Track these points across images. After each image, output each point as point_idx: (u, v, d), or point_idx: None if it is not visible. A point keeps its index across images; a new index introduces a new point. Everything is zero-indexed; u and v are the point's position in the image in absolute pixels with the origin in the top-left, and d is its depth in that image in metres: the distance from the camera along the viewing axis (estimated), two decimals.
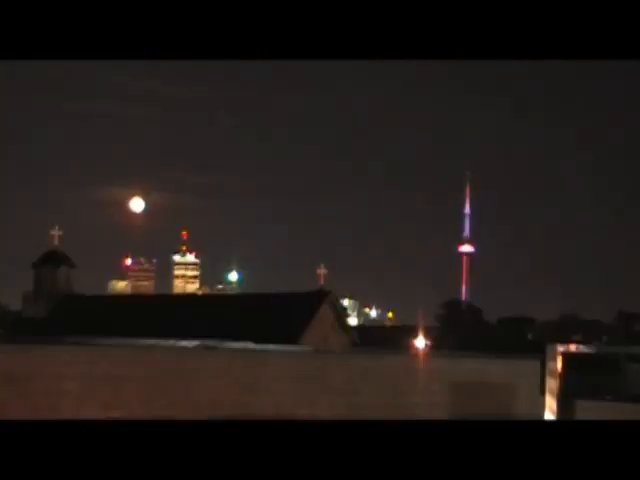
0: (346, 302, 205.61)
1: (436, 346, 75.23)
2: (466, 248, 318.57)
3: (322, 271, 53.05)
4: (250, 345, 19.00)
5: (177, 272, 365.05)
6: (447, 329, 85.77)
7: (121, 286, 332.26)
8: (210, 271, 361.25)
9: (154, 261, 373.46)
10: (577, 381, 21.42)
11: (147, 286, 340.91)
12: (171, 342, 17.82)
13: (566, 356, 20.10)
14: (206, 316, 46.93)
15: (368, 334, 71.57)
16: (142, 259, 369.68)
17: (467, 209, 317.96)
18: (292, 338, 40.24)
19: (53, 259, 55.47)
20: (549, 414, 19.61)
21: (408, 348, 64.22)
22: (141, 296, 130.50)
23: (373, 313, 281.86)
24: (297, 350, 21.82)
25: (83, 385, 15.75)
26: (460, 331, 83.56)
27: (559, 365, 19.84)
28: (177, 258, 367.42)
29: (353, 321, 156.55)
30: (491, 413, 21.24)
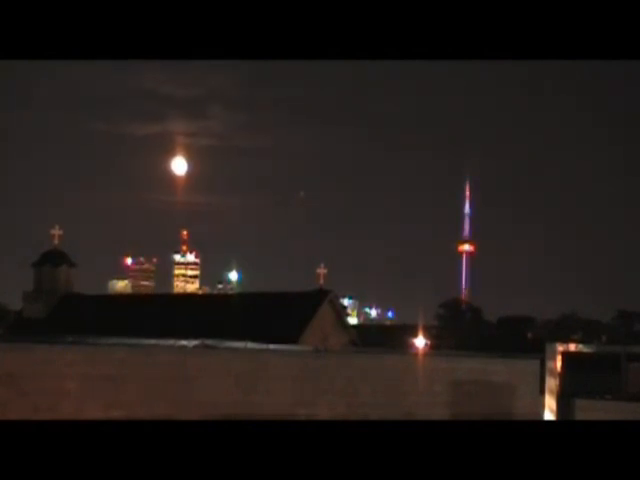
0: (346, 301, 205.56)
1: (436, 345, 75.24)
2: (466, 248, 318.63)
3: (322, 271, 53.10)
4: (250, 345, 18.97)
5: (177, 272, 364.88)
6: (447, 329, 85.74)
7: (121, 286, 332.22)
8: (210, 271, 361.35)
9: (154, 261, 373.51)
10: (577, 380, 21.44)
11: (147, 286, 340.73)
12: (171, 342, 17.79)
13: (566, 355, 20.11)
14: (206, 316, 46.95)
15: (368, 334, 71.57)
16: (142, 259, 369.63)
17: (467, 209, 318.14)
18: (292, 338, 40.27)
19: (53, 258, 55.45)
20: (549, 413, 19.62)
21: (408, 347, 64.22)
22: (141, 296, 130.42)
23: (373, 313, 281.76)
24: (297, 350, 21.80)
25: (83, 385, 15.74)
26: (460, 331, 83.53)
27: (559, 364, 19.85)
28: (177, 258, 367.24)
29: (353, 320, 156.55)
30: (491, 413, 21.24)
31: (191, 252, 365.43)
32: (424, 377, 21.05)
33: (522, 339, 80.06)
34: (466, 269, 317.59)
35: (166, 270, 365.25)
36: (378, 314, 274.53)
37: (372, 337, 66.88)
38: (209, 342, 18.07)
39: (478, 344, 66.72)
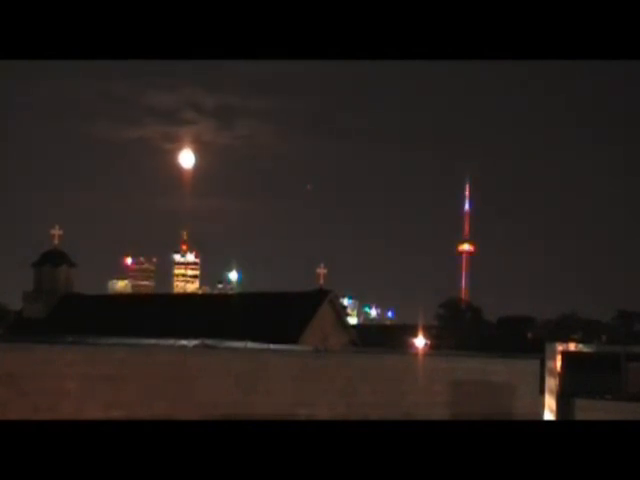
0: (346, 301, 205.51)
1: (436, 345, 75.24)
2: (466, 248, 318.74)
3: (322, 271, 53.09)
4: (250, 345, 18.97)
5: (177, 272, 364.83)
6: (447, 329, 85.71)
7: (121, 285, 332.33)
8: (210, 271, 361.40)
9: (154, 261, 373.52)
10: (577, 380, 21.44)
11: (147, 286, 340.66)
12: (171, 342, 17.79)
13: (566, 355, 20.11)
14: (206, 316, 46.93)
15: (368, 334, 71.55)
16: (142, 258, 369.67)
17: (467, 209, 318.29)
18: (292, 338, 40.25)
19: (53, 258, 55.43)
20: (548, 413, 19.62)
21: (408, 347, 64.22)
22: (141, 296, 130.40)
23: (373, 313, 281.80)
24: (297, 350, 21.80)
25: (83, 385, 15.74)
26: (460, 331, 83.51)
27: (559, 364, 19.85)
28: (177, 258, 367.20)
29: (353, 320, 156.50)
30: (491, 412, 21.24)
31: (191, 252, 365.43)
32: (424, 377, 21.05)
33: (522, 339, 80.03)
34: (466, 269, 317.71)
35: (166, 270, 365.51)
36: (378, 314, 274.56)
37: (372, 337, 66.86)
38: (209, 342, 18.07)
39: (478, 344, 66.71)
